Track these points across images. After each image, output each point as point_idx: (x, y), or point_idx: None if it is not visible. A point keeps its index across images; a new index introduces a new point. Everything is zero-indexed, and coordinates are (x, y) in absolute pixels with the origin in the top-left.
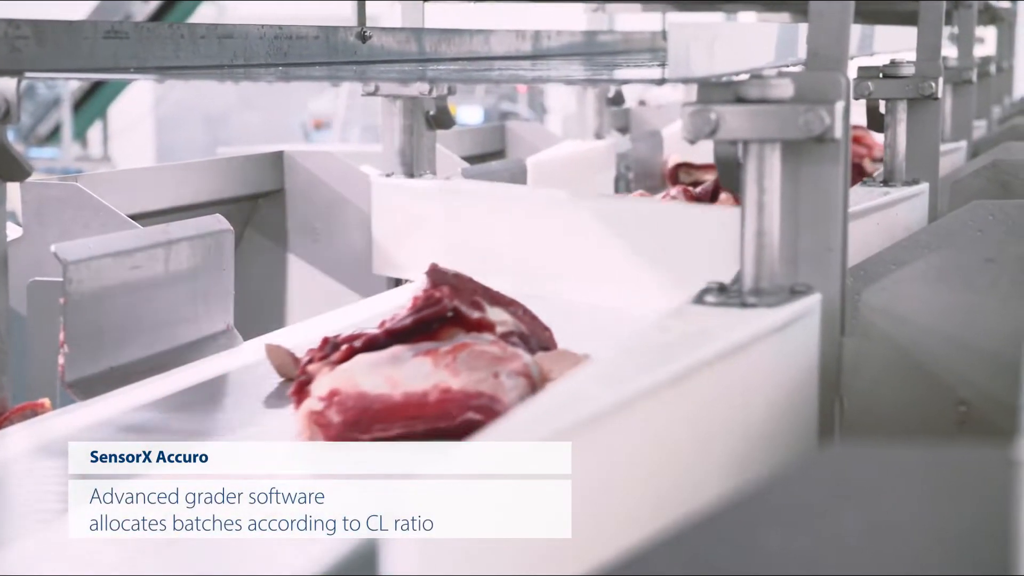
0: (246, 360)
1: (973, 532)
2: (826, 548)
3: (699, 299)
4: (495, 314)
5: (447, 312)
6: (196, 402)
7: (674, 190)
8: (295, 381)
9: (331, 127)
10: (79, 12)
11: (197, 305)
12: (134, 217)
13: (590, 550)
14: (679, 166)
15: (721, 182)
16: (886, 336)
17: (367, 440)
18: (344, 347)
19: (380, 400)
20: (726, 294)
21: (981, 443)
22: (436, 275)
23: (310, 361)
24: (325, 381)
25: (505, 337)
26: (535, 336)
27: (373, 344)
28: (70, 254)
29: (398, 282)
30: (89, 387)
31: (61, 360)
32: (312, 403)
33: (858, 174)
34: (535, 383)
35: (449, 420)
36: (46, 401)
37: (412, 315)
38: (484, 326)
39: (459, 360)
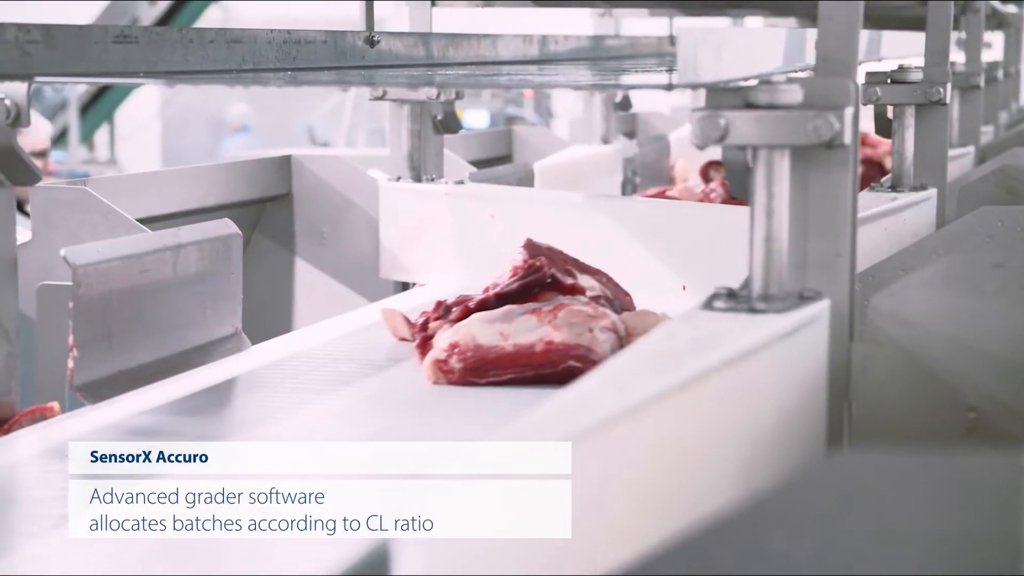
0: (254, 363)
1: (982, 539)
2: (835, 554)
3: (708, 304)
4: (584, 280)
5: (547, 279)
6: (205, 406)
7: (713, 184)
8: (419, 337)
9: (249, 131)
10: (84, 15)
11: (205, 309)
12: (142, 221)
13: (595, 554)
14: (709, 164)
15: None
16: (895, 341)
17: (483, 384)
18: (460, 307)
19: (494, 351)
20: (735, 299)
21: (990, 449)
22: (532, 248)
23: (427, 321)
24: (446, 335)
25: (594, 300)
26: (618, 299)
27: (485, 305)
28: (79, 258)
29: (405, 286)
30: (98, 390)
31: (70, 364)
32: (436, 353)
33: (879, 172)
34: (622, 338)
35: (553, 367)
36: (55, 405)
37: (518, 281)
38: (577, 290)
39: (559, 317)
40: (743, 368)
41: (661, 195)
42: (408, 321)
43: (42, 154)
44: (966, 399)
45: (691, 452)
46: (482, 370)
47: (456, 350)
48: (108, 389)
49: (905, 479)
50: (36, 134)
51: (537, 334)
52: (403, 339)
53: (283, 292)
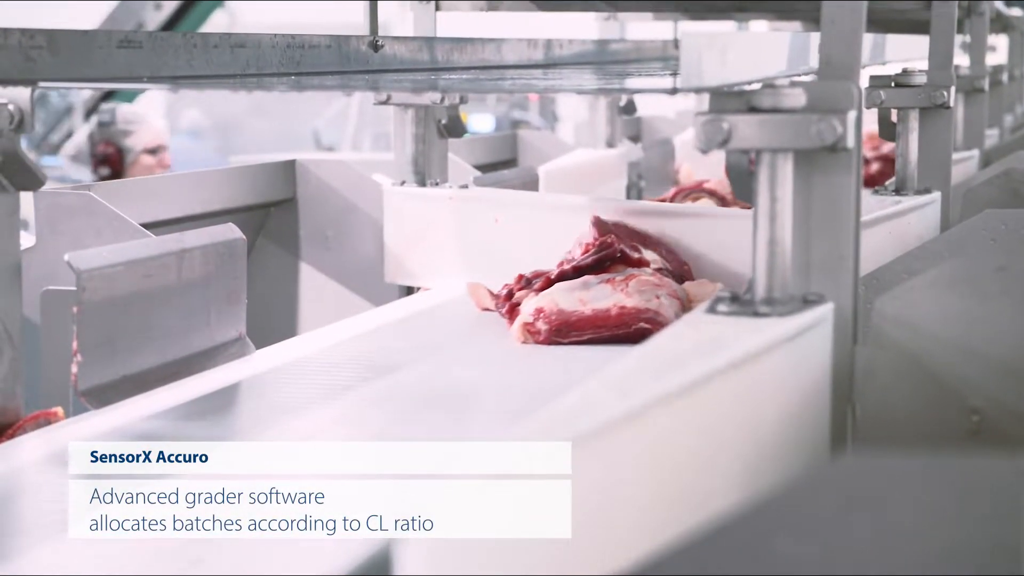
0: (258, 368)
1: (985, 542)
2: (838, 557)
3: (711, 308)
4: (648, 254)
5: (617, 253)
6: (209, 410)
7: None
8: (507, 304)
9: (196, 136)
10: (89, 17)
11: (209, 313)
12: (146, 226)
13: (597, 556)
14: None
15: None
16: (898, 345)
17: (566, 343)
18: (542, 279)
19: (575, 315)
20: (738, 303)
21: (993, 452)
22: (601, 225)
23: (511, 292)
24: (532, 302)
25: (658, 271)
26: (677, 270)
27: (563, 277)
28: (83, 263)
29: (410, 290)
30: (102, 395)
31: (74, 369)
32: (524, 318)
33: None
34: (683, 303)
35: (626, 328)
36: (59, 410)
37: (593, 255)
38: (643, 263)
39: (630, 286)
40: (746, 371)
41: (698, 187)
42: (491, 293)
43: (155, 151)
44: (969, 402)
45: (694, 455)
46: (564, 331)
47: (542, 314)
48: (112, 394)
49: (908, 482)
50: (150, 132)
51: (611, 300)
52: (486, 309)
53: (288, 296)
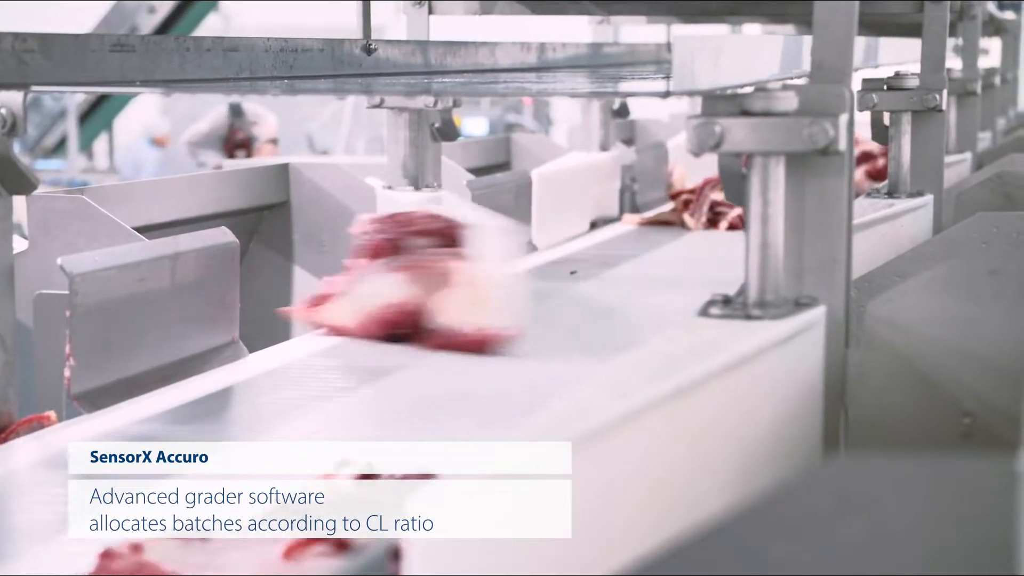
0: (252, 372)
1: (977, 544)
2: (831, 559)
3: (704, 311)
4: (418, 243)
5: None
6: (202, 414)
7: None
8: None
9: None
10: (87, 18)
11: (203, 317)
12: (140, 230)
13: (597, 556)
14: None
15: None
16: (891, 347)
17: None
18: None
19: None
20: (731, 306)
21: (985, 455)
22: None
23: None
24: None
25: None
26: (448, 232)
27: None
28: (76, 266)
29: None
30: (95, 399)
31: (67, 372)
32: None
33: None
34: (449, 276)
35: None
36: (52, 413)
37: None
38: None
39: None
40: (739, 375)
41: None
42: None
43: (275, 141)
44: (962, 404)
45: (689, 457)
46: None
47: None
48: (105, 398)
49: (901, 484)
50: (271, 126)
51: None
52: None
53: (281, 300)
